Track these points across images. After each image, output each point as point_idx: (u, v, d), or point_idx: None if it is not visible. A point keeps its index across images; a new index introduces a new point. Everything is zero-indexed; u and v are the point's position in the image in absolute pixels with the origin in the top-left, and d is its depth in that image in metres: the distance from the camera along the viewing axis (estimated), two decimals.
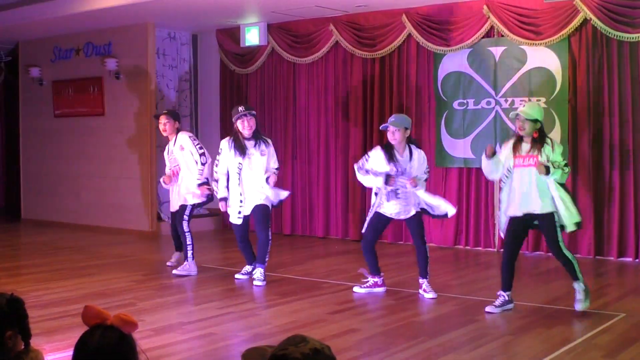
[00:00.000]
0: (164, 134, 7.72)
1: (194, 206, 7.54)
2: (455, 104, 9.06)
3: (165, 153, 7.81)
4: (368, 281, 6.57)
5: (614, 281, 7.33)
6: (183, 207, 7.51)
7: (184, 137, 7.55)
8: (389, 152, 6.27)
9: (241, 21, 10.41)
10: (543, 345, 4.90)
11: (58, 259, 8.45)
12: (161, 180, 7.81)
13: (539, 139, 5.69)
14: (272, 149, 7.13)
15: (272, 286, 6.96)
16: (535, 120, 5.69)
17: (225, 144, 7.04)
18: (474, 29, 8.81)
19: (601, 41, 8.13)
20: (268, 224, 7.05)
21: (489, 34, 8.81)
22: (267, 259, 7.01)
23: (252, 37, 10.41)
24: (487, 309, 5.77)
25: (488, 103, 8.84)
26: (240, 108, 7.00)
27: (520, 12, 8.51)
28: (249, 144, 6.97)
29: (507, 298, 5.82)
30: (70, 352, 1.89)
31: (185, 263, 7.43)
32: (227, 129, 11.06)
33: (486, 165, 5.88)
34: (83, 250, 9.17)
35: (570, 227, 5.69)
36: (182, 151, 7.50)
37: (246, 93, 10.85)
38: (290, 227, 10.46)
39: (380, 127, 6.67)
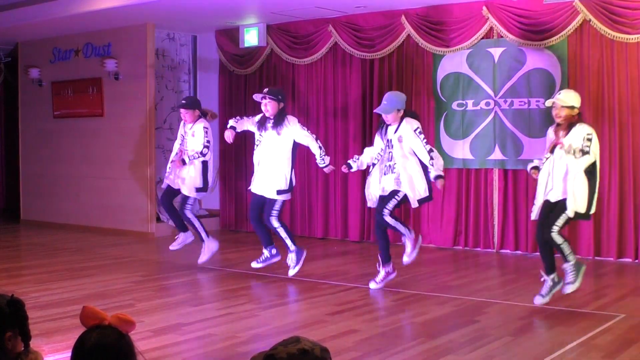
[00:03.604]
0: (187, 124, 7.80)
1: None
2: (454, 105, 9.06)
3: (180, 133, 7.91)
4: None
5: (613, 282, 7.32)
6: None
7: (199, 127, 7.66)
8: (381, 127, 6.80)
9: (240, 22, 10.41)
10: (543, 346, 4.90)
11: (57, 260, 8.44)
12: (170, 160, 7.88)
13: (573, 125, 5.73)
14: None
15: (271, 287, 6.97)
16: (572, 107, 5.74)
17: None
18: (473, 30, 8.81)
19: (601, 42, 8.13)
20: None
21: (488, 35, 8.81)
22: None
23: (251, 38, 10.41)
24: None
25: (487, 104, 8.84)
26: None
27: (519, 13, 8.51)
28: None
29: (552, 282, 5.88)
30: (69, 353, 1.89)
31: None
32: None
33: None
34: (82, 252, 9.16)
35: (570, 213, 5.68)
36: (193, 137, 7.66)
37: (245, 94, 10.84)
38: (289, 227, 10.43)
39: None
